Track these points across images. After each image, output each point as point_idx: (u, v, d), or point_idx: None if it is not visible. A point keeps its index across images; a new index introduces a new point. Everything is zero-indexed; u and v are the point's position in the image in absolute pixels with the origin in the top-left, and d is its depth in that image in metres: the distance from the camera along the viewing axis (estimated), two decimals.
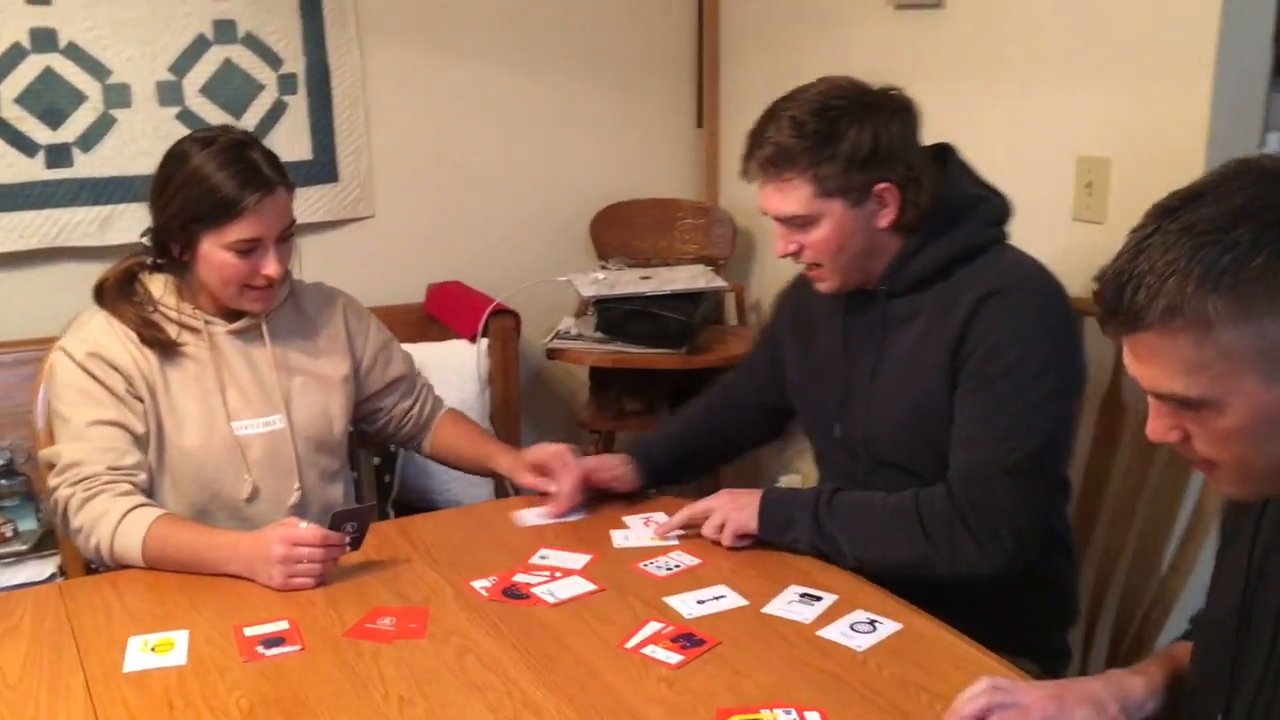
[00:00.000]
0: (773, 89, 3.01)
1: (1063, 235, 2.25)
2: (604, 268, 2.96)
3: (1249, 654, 1.11)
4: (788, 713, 1.28)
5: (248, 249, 1.73)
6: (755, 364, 1.98)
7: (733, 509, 1.69)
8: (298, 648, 1.44)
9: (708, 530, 1.70)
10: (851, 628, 1.47)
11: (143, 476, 1.74)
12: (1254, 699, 1.09)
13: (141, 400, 1.77)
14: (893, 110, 1.65)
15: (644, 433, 2.00)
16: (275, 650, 1.43)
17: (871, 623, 1.47)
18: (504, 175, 3.08)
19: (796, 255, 1.69)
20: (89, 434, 1.73)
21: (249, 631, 1.47)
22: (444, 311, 2.86)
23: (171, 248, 1.77)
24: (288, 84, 2.73)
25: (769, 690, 1.33)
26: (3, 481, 2.46)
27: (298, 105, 2.76)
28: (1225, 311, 0.94)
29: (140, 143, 2.58)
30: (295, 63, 2.73)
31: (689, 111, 3.27)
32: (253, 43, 2.67)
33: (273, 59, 2.70)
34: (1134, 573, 1.84)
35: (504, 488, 2.70)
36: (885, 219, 1.65)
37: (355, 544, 1.64)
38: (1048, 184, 2.27)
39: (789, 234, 1.68)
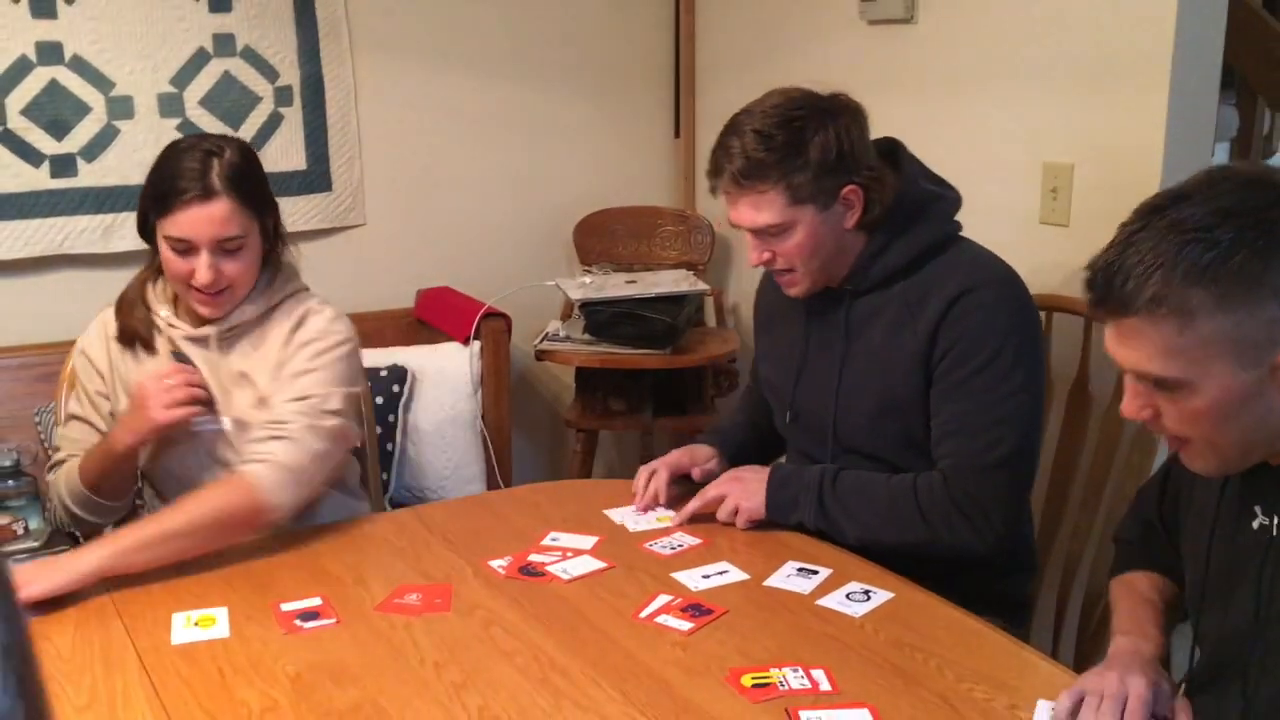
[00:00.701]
0: (748, 99, 3.15)
1: (1030, 238, 2.38)
2: (588, 272, 3.07)
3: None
4: (795, 671, 1.39)
5: (181, 248, 1.76)
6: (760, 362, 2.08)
7: (742, 496, 1.78)
8: (333, 621, 1.53)
9: (722, 515, 1.79)
10: (848, 597, 1.58)
11: None
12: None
13: (108, 399, 1.89)
14: (849, 114, 1.72)
15: (712, 424, 2.07)
16: (312, 623, 1.52)
17: (866, 592, 1.59)
18: (490, 184, 3.18)
19: (770, 262, 1.76)
20: (69, 426, 1.92)
21: (285, 607, 1.56)
22: (434, 315, 2.95)
23: (149, 225, 1.81)
24: (284, 96, 2.82)
25: (775, 652, 1.44)
26: (10, 482, 2.51)
27: (293, 117, 2.84)
28: (1206, 303, 1.05)
29: (142, 153, 2.65)
30: (291, 75, 2.82)
31: (667, 122, 3.39)
32: (250, 56, 2.76)
33: (269, 71, 2.79)
34: (1102, 550, 1.97)
35: (496, 481, 2.81)
36: (851, 219, 1.73)
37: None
38: (1015, 189, 2.40)
39: (763, 244, 1.74)
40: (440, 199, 3.12)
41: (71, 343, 2.41)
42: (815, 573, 1.65)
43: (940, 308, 1.71)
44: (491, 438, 2.80)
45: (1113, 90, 2.21)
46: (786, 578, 1.64)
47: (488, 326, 2.78)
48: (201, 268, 1.76)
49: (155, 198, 1.78)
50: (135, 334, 1.87)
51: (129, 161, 2.66)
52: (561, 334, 2.89)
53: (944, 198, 1.81)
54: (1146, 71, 2.14)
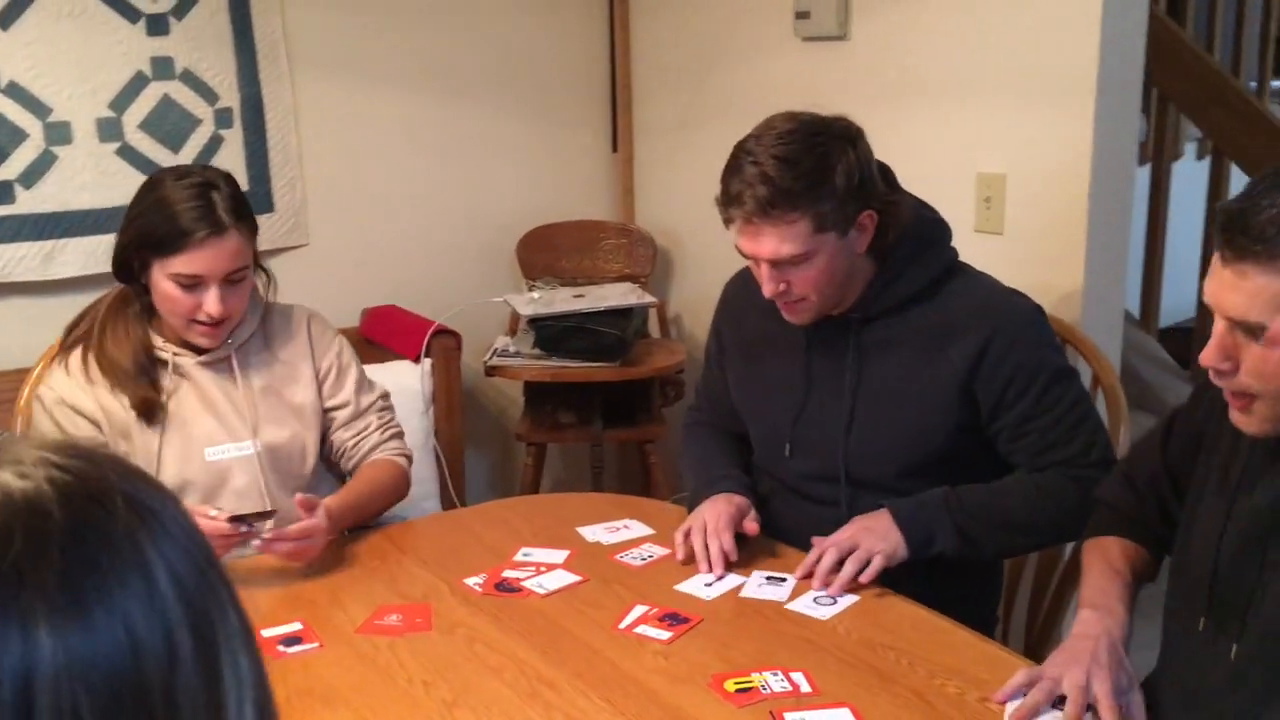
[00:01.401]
0: (685, 114, 3.23)
1: (965, 245, 2.42)
2: (533, 287, 3.10)
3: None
4: (775, 674, 1.44)
5: (190, 284, 1.78)
6: (718, 386, 2.00)
7: (877, 541, 1.66)
8: (316, 645, 1.55)
9: (852, 566, 1.64)
10: (815, 601, 1.64)
11: None
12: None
13: (105, 446, 1.83)
14: (861, 138, 1.68)
15: (718, 475, 1.86)
16: (295, 648, 1.54)
17: (832, 597, 1.65)
18: (432, 201, 3.19)
19: (784, 293, 1.69)
20: None
21: (266, 633, 1.57)
22: (382, 334, 2.96)
23: (132, 267, 1.82)
24: (224, 118, 2.81)
25: (755, 657, 1.49)
26: None
27: (234, 139, 2.83)
28: None
29: (81, 178, 2.63)
30: (231, 97, 2.81)
31: (605, 137, 3.44)
32: (190, 79, 2.74)
33: (209, 94, 2.78)
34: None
35: (451, 497, 2.82)
36: (863, 245, 1.69)
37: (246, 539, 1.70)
38: (950, 199, 2.46)
39: (779, 274, 1.67)
40: (383, 218, 3.13)
41: (13, 372, 2.40)
42: (783, 580, 1.71)
43: (978, 343, 1.69)
44: (444, 454, 2.82)
45: (1042, 104, 2.31)
46: (759, 587, 1.69)
47: (438, 344, 2.80)
48: (212, 301, 1.78)
49: (158, 239, 1.76)
50: (136, 366, 1.83)
51: (68, 187, 2.63)
52: (511, 349, 2.92)
53: (943, 223, 1.81)
54: (1074, 86, 2.24)
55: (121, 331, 1.85)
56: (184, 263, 1.76)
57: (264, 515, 1.71)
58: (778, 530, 1.83)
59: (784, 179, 1.60)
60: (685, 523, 1.78)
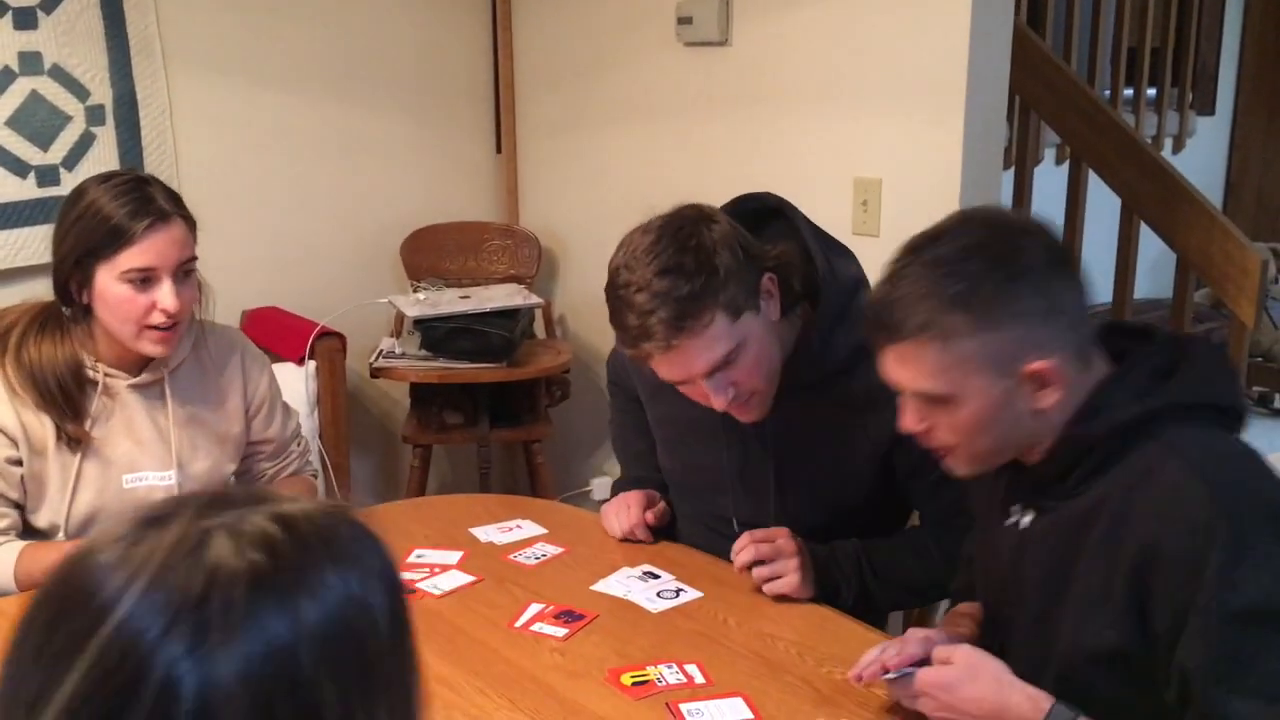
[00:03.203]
0: (568, 116, 3.26)
1: None
2: (418, 288, 3.09)
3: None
4: (670, 667, 1.48)
5: (142, 278, 1.72)
6: (629, 414, 1.98)
7: (786, 569, 1.64)
8: None
9: (759, 574, 1.65)
10: (658, 595, 1.68)
11: (14, 535, 1.78)
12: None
13: (20, 464, 1.77)
14: (713, 213, 1.60)
15: (632, 477, 1.99)
16: None
17: (676, 590, 1.70)
18: (313, 202, 3.15)
19: (734, 399, 1.60)
20: None
21: None
22: (264, 336, 2.90)
23: (71, 288, 1.75)
24: (96, 115, 2.73)
25: (649, 651, 1.53)
26: None
27: (106, 136, 2.76)
28: (962, 326, 1.23)
29: None
30: (103, 94, 2.73)
31: (488, 138, 3.44)
32: (59, 74, 2.66)
33: (79, 90, 2.70)
34: None
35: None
36: (775, 311, 1.61)
37: None
38: (828, 202, 2.56)
39: (720, 380, 1.57)
40: (263, 218, 3.08)
41: None
42: (658, 576, 1.74)
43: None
44: (329, 457, 2.79)
45: (915, 111, 2.40)
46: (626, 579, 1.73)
47: (322, 346, 2.77)
48: (167, 294, 1.73)
49: (99, 242, 1.70)
50: (61, 390, 1.75)
51: None
52: (397, 350, 2.91)
53: (865, 282, 1.69)
54: (945, 95, 2.33)
55: (49, 348, 1.77)
56: (134, 256, 1.70)
57: None
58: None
59: (679, 289, 1.50)
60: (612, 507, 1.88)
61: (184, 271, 1.77)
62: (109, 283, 1.73)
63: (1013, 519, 1.36)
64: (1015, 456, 1.33)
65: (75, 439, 1.77)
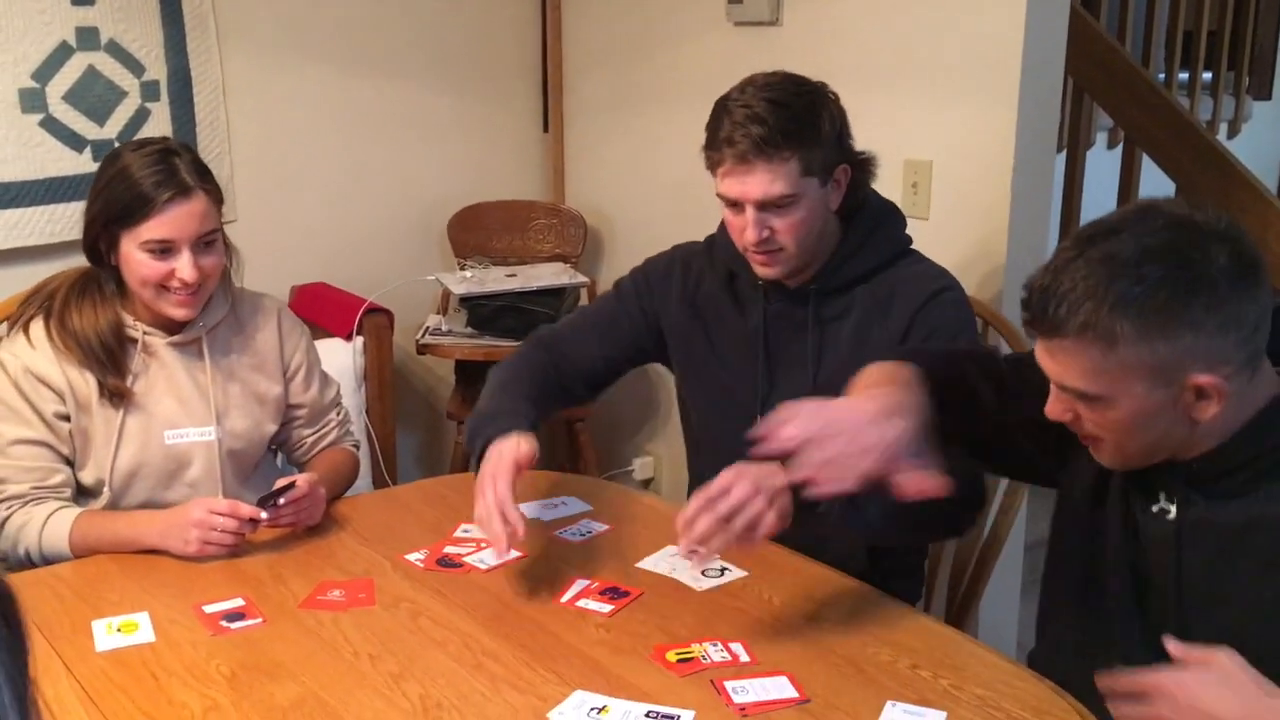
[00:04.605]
0: (616, 96, 3.26)
1: None
2: (464, 266, 3.10)
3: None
4: (715, 645, 1.49)
5: (161, 249, 1.77)
6: (614, 326, 1.96)
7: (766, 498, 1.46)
8: (260, 620, 1.55)
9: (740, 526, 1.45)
10: (703, 573, 1.67)
11: (68, 494, 1.82)
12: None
13: (68, 419, 1.82)
14: (833, 94, 1.77)
15: (503, 408, 1.80)
16: (239, 624, 1.54)
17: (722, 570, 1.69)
18: (362, 179, 3.17)
19: (765, 241, 1.72)
20: (13, 451, 1.80)
21: (208, 609, 1.57)
22: (313, 312, 2.94)
23: (100, 248, 1.82)
24: (150, 91, 2.76)
25: (694, 629, 1.53)
26: None
27: (160, 112, 2.78)
28: (1129, 333, 1.17)
29: (3, 150, 2.57)
30: (157, 70, 2.76)
31: (536, 117, 3.44)
32: (115, 50, 2.69)
33: (135, 66, 2.73)
34: None
35: (383, 476, 2.82)
36: (836, 201, 1.77)
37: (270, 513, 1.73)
38: (878, 184, 2.50)
39: (763, 218, 1.70)
40: (313, 195, 3.10)
41: None
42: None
43: (916, 303, 1.76)
44: (376, 432, 2.82)
45: (968, 92, 2.37)
46: (671, 556, 1.72)
47: (370, 322, 2.79)
48: (185, 265, 1.77)
49: (122, 210, 1.76)
50: (103, 347, 1.81)
51: None
52: (444, 328, 2.93)
53: (898, 210, 1.88)
54: (999, 76, 2.30)
55: (89, 309, 1.83)
56: (153, 228, 1.76)
57: (284, 490, 1.74)
58: None
59: (777, 119, 1.66)
60: (478, 489, 1.63)
61: (204, 243, 1.81)
62: (131, 249, 1.79)
63: (1159, 506, 1.32)
64: (1166, 458, 1.29)
65: (117, 394, 1.82)
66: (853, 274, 1.80)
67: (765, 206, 1.70)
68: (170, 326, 1.88)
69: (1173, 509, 1.30)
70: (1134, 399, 1.21)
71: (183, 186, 1.77)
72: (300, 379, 2.03)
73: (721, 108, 1.72)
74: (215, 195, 1.84)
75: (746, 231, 1.72)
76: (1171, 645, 1.18)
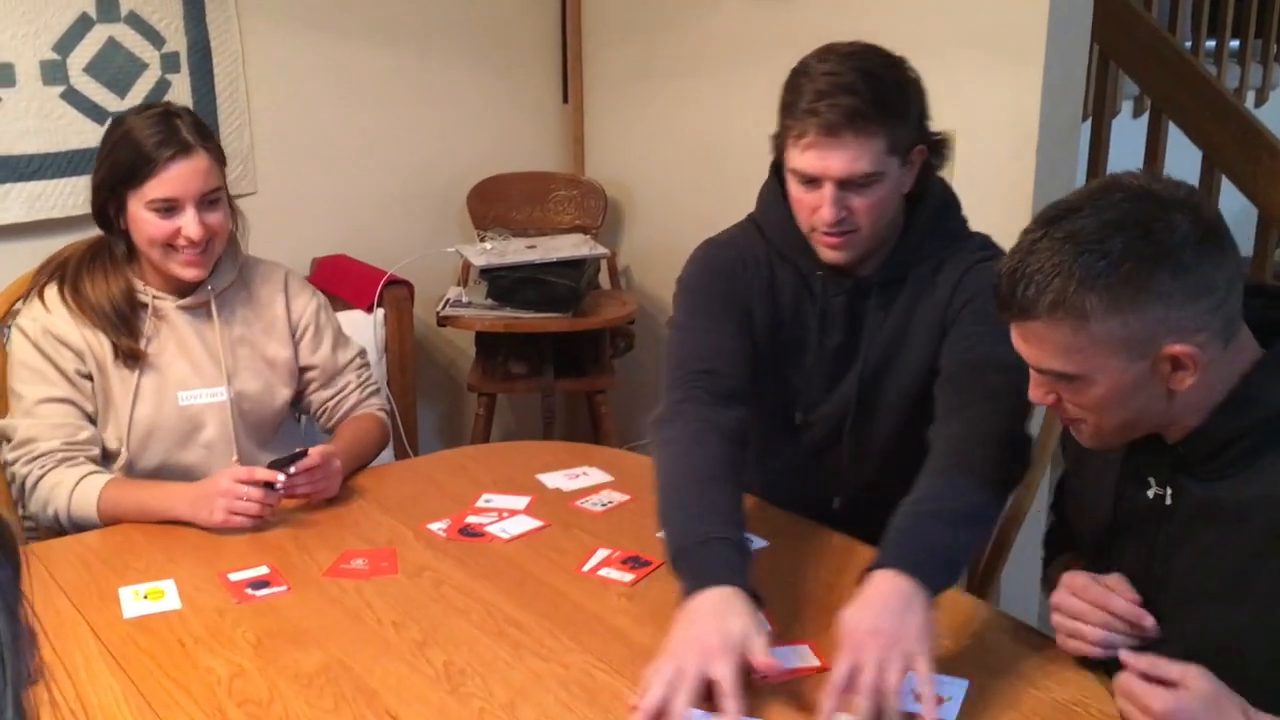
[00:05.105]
0: (636, 67, 3.24)
1: None
2: (484, 238, 3.10)
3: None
4: None
5: (166, 207, 1.80)
6: (727, 341, 1.68)
7: (890, 646, 1.27)
8: (284, 588, 1.57)
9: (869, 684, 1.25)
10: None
11: (96, 451, 1.85)
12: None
13: (90, 379, 1.85)
14: (919, 77, 1.63)
15: (711, 536, 1.43)
16: (264, 591, 1.56)
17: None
18: (381, 151, 3.17)
19: (840, 221, 1.58)
20: (40, 411, 1.82)
21: (233, 577, 1.59)
22: (333, 284, 2.94)
23: (109, 212, 1.85)
24: (170, 63, 2.77)
25: None
26: None
27: (180, 84, 2.79)
28: (1099, 307, 1.17)
29: (25, 122, 2.58)
30: (177, 41, 2.77)
31: (556, 88, 3.43)
32: (135, 21, 2.69)
33: (155, 38, 2.73)
34: None
35: (404, 447, 2.83)
36: (908, 184, 1.64)
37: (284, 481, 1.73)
38: None
39: (842, 196, 1.56)
40: (332, 166, 3.11)
41: None
42: None
43: (960, 269, 1.66)
44: (397, 404, 2.83)
45: (992, 61, 2.35)
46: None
47: (391, 294, 2.80)
48: (190, 222, 1.81)
49: (126, 172, 1.80)
50: (115, 311, 1.85)
51: (11, 131, 2.58)
52: (464, 299, 2.93)
53: (957, 198, 1.76)
54: (1024, 43, 2.28)
55: (100, 275, 1.87)
56: (157, 187, 1.79)
57: (297, 456, 1.75)
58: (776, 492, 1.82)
59: (869, 91, 1.52)
60: (662, 667, 1.28)
61: (208, 201, 1.84)
62: (138, 209, 1.82)
63: (1152, 490, 1.31)
64: (1150, 432, 1.28)
65: (131, 355, 1.86)
66: (911, 264, 1.69)
67: (846, 184, 1.55)
68: (180, 290, 1.91)
69: (1167, 494, 1.30)
70: (1111, 374, 1.20)
71: (184, 145, 1.81)
72: (309, 338, 2.03)
73: (802, 74, 1.57)
74: (217, 154, 1.87)
75: (822, 210, 1.57)
76: (1129, 658, 1.19)
